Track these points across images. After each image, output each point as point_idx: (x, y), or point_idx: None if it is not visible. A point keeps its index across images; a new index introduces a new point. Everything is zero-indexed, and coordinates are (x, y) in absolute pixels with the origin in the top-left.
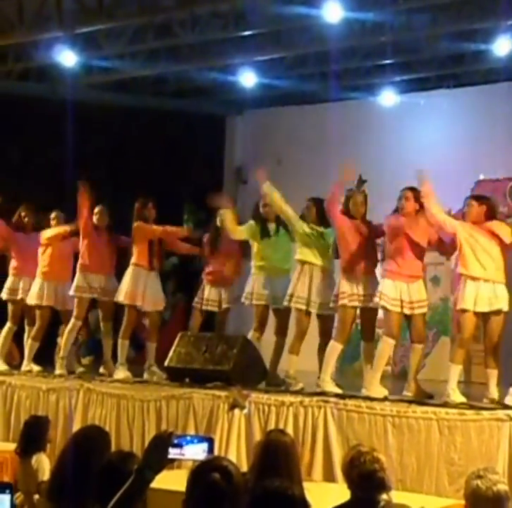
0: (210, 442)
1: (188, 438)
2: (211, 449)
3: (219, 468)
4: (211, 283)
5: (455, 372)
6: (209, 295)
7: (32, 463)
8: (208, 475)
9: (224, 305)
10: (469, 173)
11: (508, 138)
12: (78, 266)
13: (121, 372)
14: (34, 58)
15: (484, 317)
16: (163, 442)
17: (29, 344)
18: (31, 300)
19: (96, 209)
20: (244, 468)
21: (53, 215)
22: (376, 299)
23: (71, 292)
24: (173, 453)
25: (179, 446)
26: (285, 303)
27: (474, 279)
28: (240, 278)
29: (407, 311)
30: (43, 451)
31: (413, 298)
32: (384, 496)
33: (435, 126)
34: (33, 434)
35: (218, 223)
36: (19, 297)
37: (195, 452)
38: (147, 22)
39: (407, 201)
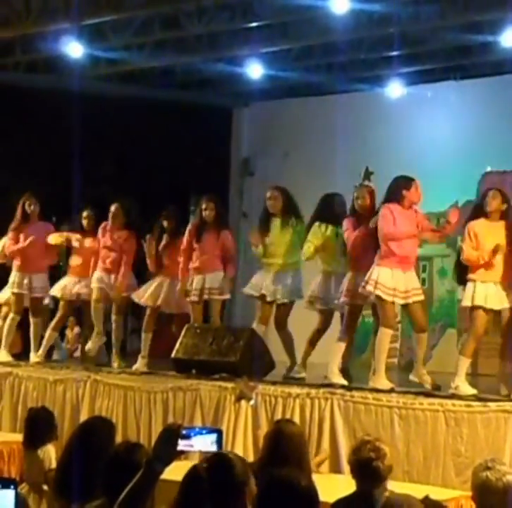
0: (219, 433)
1: (197, 429)
2: (220, 441)
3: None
4: (196, 273)
5: (465, 364)
6: (196, 285)
7: (38, 453)
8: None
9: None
10: (476, 165)
11: None
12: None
13: (141, 365)
14: (41, 50)
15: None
16: (172, 434)
17: (48, 335)
18: (56, 292)
19: (113, 209)
20: (250, 459)
21: (85, 214)
22: (369, 288)
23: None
24: (182, 444)
25: (188, 437)
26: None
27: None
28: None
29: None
30: (51, 443)
31: (408, 286)
32: (388, 486)
33: (442, 118)
34: (37, 426)
35: (204, 216)
36: (25, 291)
37: (204, 443)
38: (153, 13)
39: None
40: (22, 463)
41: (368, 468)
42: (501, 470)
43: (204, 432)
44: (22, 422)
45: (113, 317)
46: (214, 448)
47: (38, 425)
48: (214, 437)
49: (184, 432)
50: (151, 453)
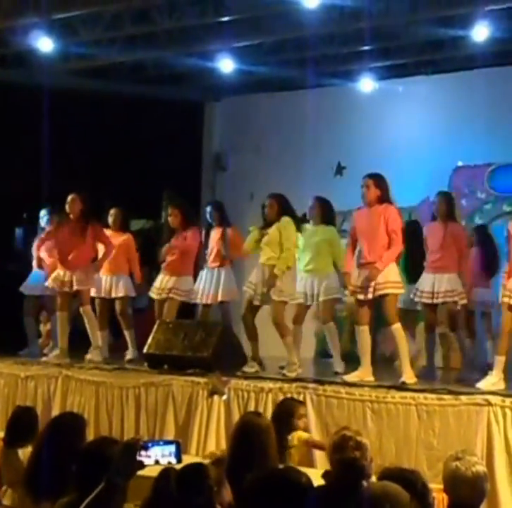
0: (177, 444)
1: (155, 441)
2: (178, 452)
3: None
4: (165, 273)
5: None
6: (160, 284)
7: (20, 456)
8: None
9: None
10: (447, 159)
11: (487, 124)
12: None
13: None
14: (11, 45)
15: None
16: (131, 448)
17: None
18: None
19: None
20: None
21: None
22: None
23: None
24: (143, 458)
25: (146, 448)
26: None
27: None
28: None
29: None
30: (31, 444)
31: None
32: (364, 483)
33: (413, 113)
34: (20, 426)
35: (170, 223)
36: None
37: (162, 454)
38: (124, 8)
39: (367, 189)
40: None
41: (354, 468)
42: (471, 460)
43: (162, 443)
44: None
45: (82, 309)
46: (172, 459)
47: (19, 425)
48: (172, 448)
49: (143, 445)
50: (111, 468)
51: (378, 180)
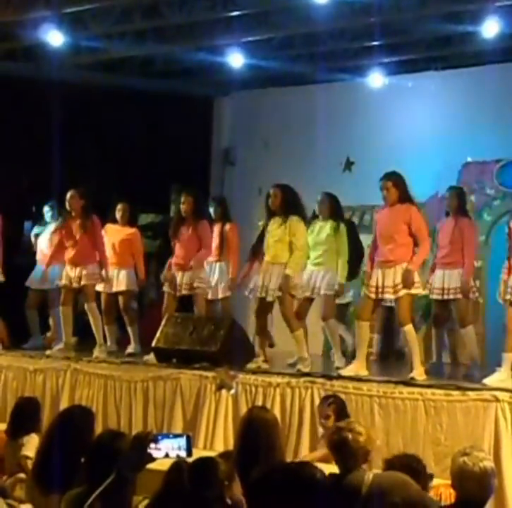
0: (188, 438)
1: (164, 433)
2: (189, 445)
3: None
4: (175, 268)
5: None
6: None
7: (24, 441)
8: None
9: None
10: (456, 155)
11: (496, 120)
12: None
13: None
14: (21, 38)
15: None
16: (141, 442)
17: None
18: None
19: (68, 197)
20: (231, 448)
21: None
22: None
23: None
24: (153, 451)
25: (155, 441)
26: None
27: None
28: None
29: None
30: (35, 433)
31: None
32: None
33: (423, 108)
34: (23, 416)
35: (182, 211)
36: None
37: (173, 448)
38: (134, 2)
39: (388, 191)
40: (4, 452)
41: (344, 449)
42: (479, 456)
43: (172, 436)
44: (2, 412)
45: (86, 306)
46: (182, 452)
47: (22, 416)
48: (182, 441)
49: (154, 438)
50: (121, 461)
51: (396, 180)
